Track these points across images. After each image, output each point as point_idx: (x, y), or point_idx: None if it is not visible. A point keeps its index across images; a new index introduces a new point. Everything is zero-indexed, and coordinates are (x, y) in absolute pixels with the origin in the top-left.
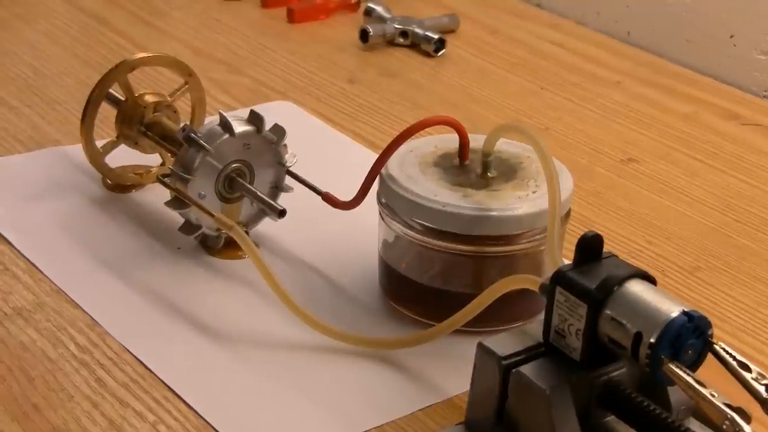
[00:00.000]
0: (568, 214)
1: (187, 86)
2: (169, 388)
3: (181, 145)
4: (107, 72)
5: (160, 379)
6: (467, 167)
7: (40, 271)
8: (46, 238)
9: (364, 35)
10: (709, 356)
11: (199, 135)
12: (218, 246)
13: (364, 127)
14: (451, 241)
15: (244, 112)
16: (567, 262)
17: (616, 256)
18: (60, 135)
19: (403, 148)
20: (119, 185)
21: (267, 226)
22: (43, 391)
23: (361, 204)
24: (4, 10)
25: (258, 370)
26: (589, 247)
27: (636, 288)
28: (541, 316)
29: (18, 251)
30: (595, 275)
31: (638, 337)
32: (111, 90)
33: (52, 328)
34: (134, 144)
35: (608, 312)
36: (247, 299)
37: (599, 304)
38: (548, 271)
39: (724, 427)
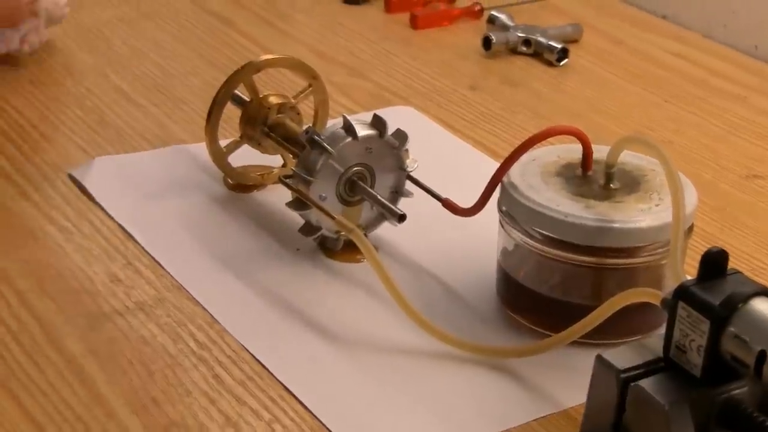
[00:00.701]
0: (690, 229)
1: (310, 89)
2: (285, 388)
3: (303, 147)
4: (233, 73)
5: (276, 378)
6: (590, 178)
7: (162, 267)
8: (168, 235)
9: (486, 43)
10: None
11: (322, 137)
12: (337, 248)
13: (484, 135)
14: (572, 252)
15: (367, 116)
16: (689, 277)
17: (741, 273)
18: (185, 134)
19: (525, 157)
20: (241, 185)
21: (386, 230)
22: (162, 386)
23: (481, 212)
24: (132, 9)
25: (373, 374)
26: (714, 263)
27: (761, 306)
28: (660, 331)
29: (141, 247)
30: (720, 291)
31: (762, 356)
32: (236, 91)
33: (173, 324)
34: (257, 144)
35: (732, 329)
36: (364, 302)
37: (723, 320)
38: (669, 286)
39: None
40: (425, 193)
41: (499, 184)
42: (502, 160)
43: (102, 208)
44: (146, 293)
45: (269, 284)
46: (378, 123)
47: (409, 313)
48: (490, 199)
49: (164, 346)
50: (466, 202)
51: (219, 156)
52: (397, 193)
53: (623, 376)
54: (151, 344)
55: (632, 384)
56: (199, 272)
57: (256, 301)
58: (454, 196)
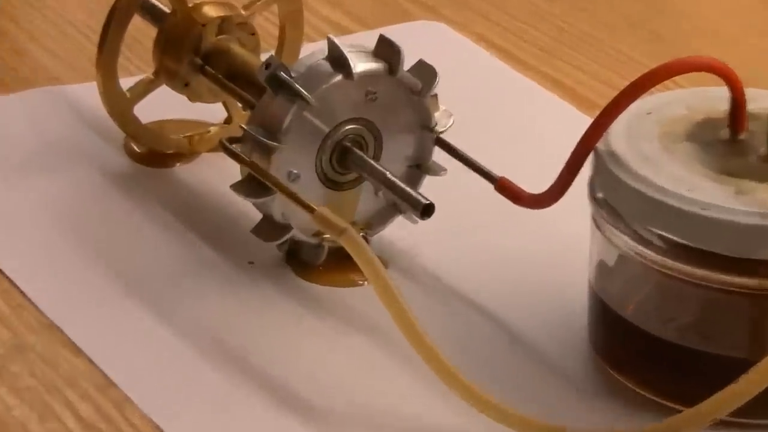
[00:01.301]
0: None
1: None
2: None
3: (262, 91)
4: None
5: None
6: (743, 144)
7: (23, 293)
8: (31, 241)
9: None
10: None
11: (292, 75)
12: (317, 262)
13: (565, 69)
14: (717, 269)
15: (368, 38)
16: None
17: None
18: (61, 67)
19: (635, 109)
20: (154, 154)
21: (401, 231)
22: None
23: (561, 199)
24: None
25: None
26: None
27: None
28: None
29: None
30: None
31: None
32: None
33: (39, 389)
34: (183, 86)
35: None
36: (363, 354)
37: None
38: None
39: None
40: (466, 168)
41: (591, 154)
42: (595, 114)
43: None
44: None
45: (201, 323)
46: (387, 51)
47: (442, 371)
48: (575, 179)
49: (25, 425)
50: (534, 183)
51: (119, 105)
52: (420, 168)
53: None
54: (3, 422)
55: None
56: (84, 303)
57: (178, 353)
58: (514, 175)
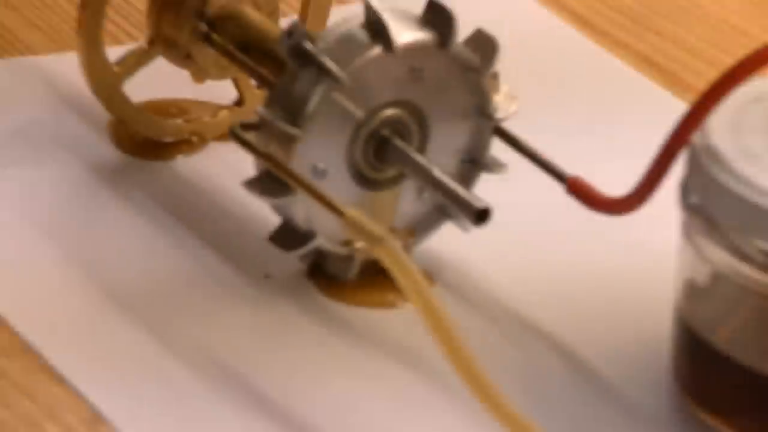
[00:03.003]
0: None
1: None
2: None
3: (282, 66)
4: None
5: None
6: None
7: None
8: (6, 249)
9: None
10: None
11: (321, 47)
12: (347, 277)
13: (657, 43)
14: None
15: (415, 1)
16: None
17: None
18: (35, 35)
19: (740, 95)
20: (150, 143)
21: (450, 241)
22: None
23: (645, 204)
24: None
25: None
26: None
27: None
28: None
29: None
30: None
31: None
32: None
33: (13, 423)
34: (184, 57)
35: None
36: (401, 388)
37: None
38: None
39: None
40: (531, 165)
41: (685, 150)
42: (692, 100)
43: None
44: None
45: (207, 348)
46: (437, 17)
47: (497, 410)
48: (664, 179)
49: None
50: (614, 184)
51: (104, 80)
52: (475, 163)
53: None
54: None
55: None
56: (67, 323)
57: (179, 382)
58: (590, 173)
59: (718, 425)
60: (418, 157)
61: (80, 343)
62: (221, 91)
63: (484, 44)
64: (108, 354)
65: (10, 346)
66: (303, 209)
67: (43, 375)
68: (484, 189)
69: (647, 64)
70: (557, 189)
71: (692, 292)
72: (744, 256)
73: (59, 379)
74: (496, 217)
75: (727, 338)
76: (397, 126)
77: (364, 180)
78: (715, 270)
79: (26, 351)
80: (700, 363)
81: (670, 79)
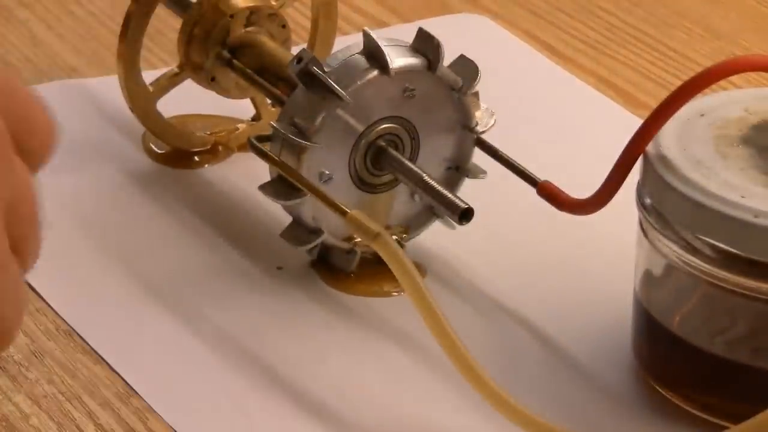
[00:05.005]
0: None
1: None
2: None
3: (293, 87)
4: None
5: None
6: None
7: (41, 297)
8: (49, 243)
9: None
10: None
11: (326, 70)
12: (349, 269)
13: (614, 67)
14: None
15: (405, 32)
16: None
17: None
18: (79, 59)
19: (686, 111)
20: (178, 153)
21: (438, 237)
22: None
23: (607, 205)
24: None
25: None
26: None
27: None
28: None
29: None
30: None
31: None
32: None
33: (58, 397)
34: (209, 80)
35: None
36: (396, 368)
37: None
38: None
39: None
40: (509, 171)
41: (640, 158)
42: (646, 115)
43: None
44: (11, 344)
45: (227, 330)
46: (426, 45)
47: (480, 386)
48: (623, 184)
49: None
50: (579, 188)
51: (140, 99)
52: (459, 170)
53: None
54: (20, 431)
55: None
56: (105, 308)
57: (203, 361)
58: (558, 178)
59: (671, 396)
60: (410, 165)
61: (116, 326)
62: (241, 108)
63: (466, 68)
64: (140, 336)
65: (54, 329)
66: (310, 209)
67: (83, 355)
68: (467, 192)
69: (606, 85)
70: (530, 192)
71: (649, 281)
72: (693, 250)
73: (97, 359)
74: (478, 216)
75: (679, 322)
76: (392, 138)
77: (363, 184)
78: (669, 262)
79: (69, 334)
80: (657, 343)
81: (626, 98)
